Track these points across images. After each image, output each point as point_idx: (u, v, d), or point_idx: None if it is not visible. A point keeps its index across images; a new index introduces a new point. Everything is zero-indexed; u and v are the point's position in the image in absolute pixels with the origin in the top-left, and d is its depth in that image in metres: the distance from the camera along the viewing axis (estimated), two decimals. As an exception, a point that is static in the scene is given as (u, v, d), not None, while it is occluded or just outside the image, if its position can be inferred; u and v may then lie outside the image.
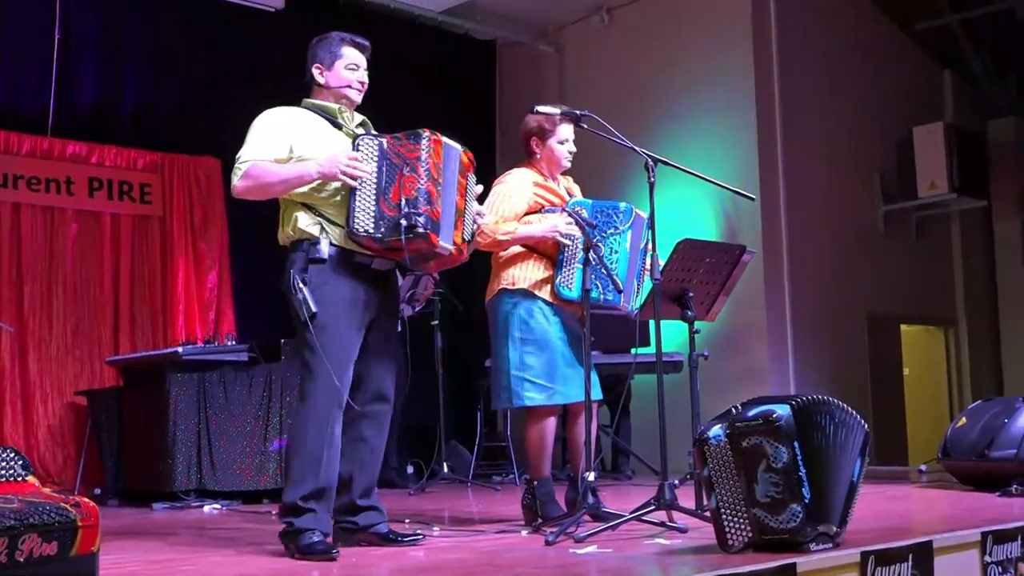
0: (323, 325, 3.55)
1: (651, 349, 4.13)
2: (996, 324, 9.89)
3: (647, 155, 4.08)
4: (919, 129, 8.99)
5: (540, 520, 4.22)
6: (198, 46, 7.80)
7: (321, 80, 3.79)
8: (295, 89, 3.90)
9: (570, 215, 4.12)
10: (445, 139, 3.65)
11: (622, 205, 4.27)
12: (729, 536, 3.17)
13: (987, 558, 3.50)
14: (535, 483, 4.32)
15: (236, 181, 3.66)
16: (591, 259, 4.00)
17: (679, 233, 4.57)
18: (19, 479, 2.73)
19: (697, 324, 4.34)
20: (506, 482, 7.32)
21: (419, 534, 3.86)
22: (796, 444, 3.11)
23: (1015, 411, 5.23)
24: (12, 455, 2.76)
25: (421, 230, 3.49)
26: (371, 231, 3.53)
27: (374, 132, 3.77)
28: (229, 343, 6.70)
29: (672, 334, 5.72)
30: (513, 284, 4.28)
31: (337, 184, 3.59)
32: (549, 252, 4.28)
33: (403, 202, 3.50)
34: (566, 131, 4.39)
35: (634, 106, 8.31)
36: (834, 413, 3.27)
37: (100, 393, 6.89)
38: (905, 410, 9.11)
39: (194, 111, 7.78)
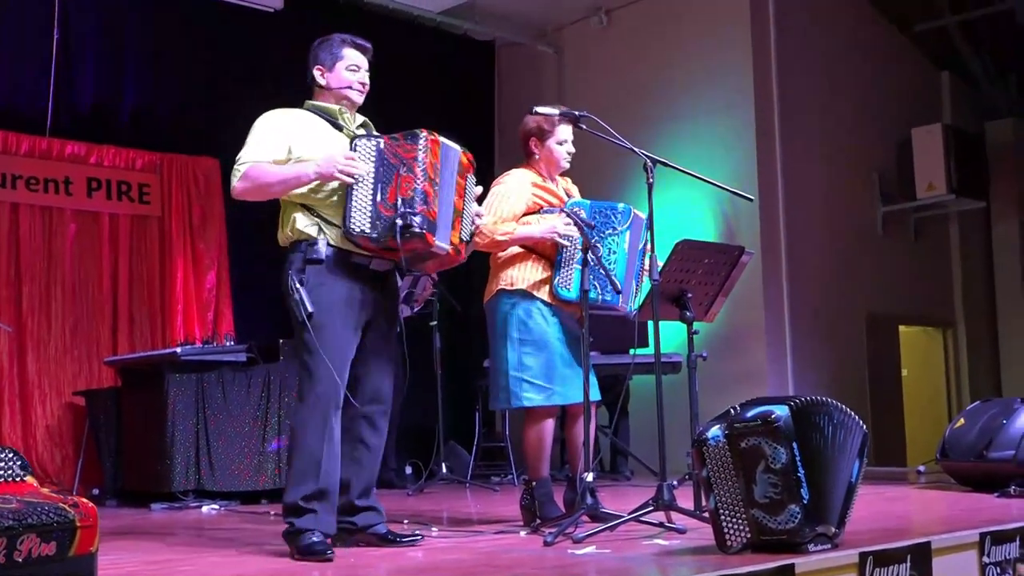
0: (320, 325, 3.55)
1: (650, 350, 4.13)
2: (995, 325, 9.88)
3: (646, 156, 4.09)
4: (918, 130, 8.97)
5: (539, 521, 4.22)
6: (197, 46, 7.79)
7: (322, 82, 3.79)
8: (294, 89, 3.90)
9: (569, 216, 4.12)
10: (443, 139, 3.65)
11: (620, 206, 4.27)
12: (728, 537, 3.17)
13: (985, 559, 3.50)
14: (534, 484, 4.32)
15: (235, 182, 3.67)
16: (590, 260, 4.00)
17: (678, 234, 4.57)
18: (17, 479, 2.74)
19: (696, 325, 4.33)
20: (504, 483, 7.31)
21: (418, 535, 3.86)
22: (795, 445, 3.11)
23: (1013, 412, 5.23)
24: (10, 455, 2.76)
25: (417, 230, 3.49)
26: (367, 231, 3.53)
27: (374, 133, 3.77)
28: (227, 343, 6.69)
29: (671, 335, 5.71)
30: (512, 285, 4.28)
31: (335, 185, 3.60)
32: (548, 253, 4.27)
33: (399, 202, 3.49)
34: (565, 132, 4.39)
35: (633, 107, 8.30)
36: (832, 414, 3.27)
37: (98, 393, 6.88)
38: (903, 411, 9.09)
39: (193, 111, 7.78)
